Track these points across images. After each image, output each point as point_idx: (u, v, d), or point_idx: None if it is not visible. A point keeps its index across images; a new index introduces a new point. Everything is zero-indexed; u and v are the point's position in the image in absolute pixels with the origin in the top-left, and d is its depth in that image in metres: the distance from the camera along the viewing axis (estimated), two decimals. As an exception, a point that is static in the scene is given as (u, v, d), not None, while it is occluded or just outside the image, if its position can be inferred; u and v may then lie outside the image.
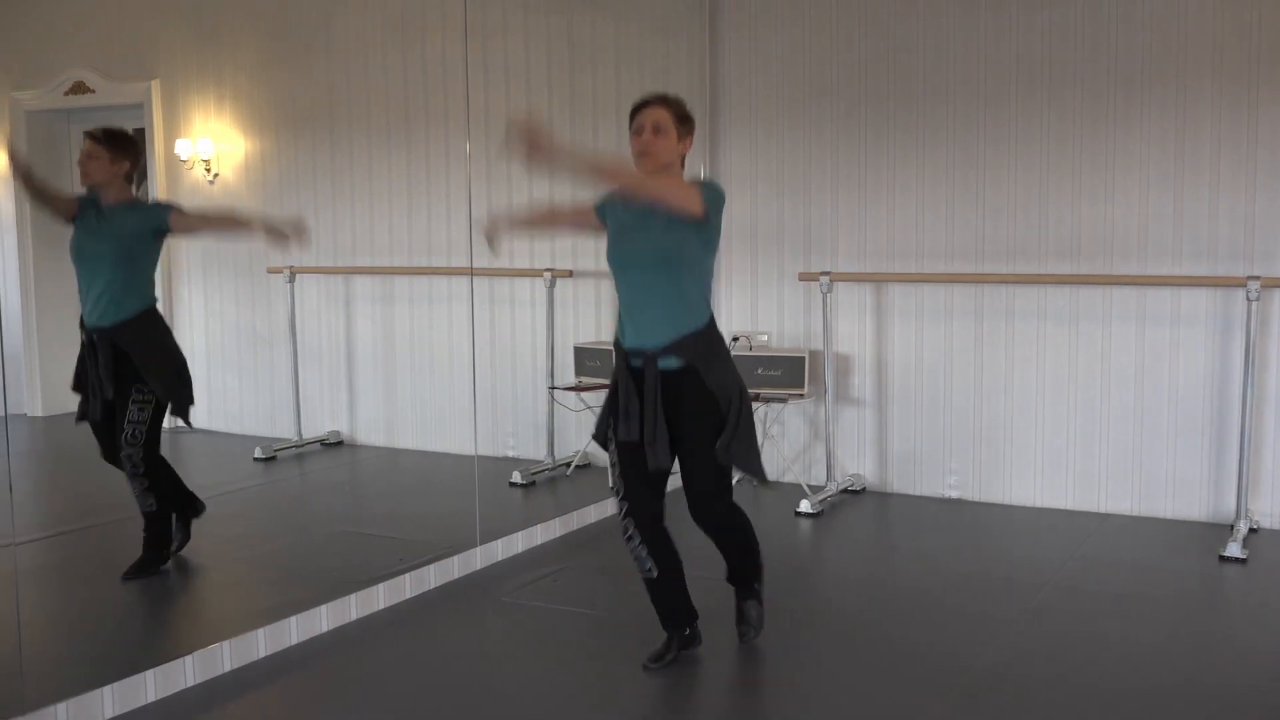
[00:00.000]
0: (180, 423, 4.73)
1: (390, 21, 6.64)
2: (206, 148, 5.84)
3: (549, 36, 6.52)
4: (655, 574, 3.83)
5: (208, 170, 5.84)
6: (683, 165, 3.83)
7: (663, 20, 6.57)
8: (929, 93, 5.96)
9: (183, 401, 4.69)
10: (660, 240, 3.66)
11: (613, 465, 3.88)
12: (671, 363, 3.69)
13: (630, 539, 3.81)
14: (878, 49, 6.05)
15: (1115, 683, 3.76)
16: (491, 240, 4.02)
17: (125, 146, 4.63)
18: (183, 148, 5.79)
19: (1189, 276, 5.47)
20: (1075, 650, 4.03)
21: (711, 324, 3.79)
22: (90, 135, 4.61)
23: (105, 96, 5.52)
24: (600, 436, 3.92)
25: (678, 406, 3.71)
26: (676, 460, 3.79)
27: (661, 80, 6.43)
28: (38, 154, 5.32)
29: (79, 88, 5.42)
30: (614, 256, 3.80)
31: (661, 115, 3.70)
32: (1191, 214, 5.47)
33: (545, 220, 4.32)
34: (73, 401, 4.79)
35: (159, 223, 4.57)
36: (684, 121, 3.74)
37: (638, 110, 3.76)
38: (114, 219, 4.49)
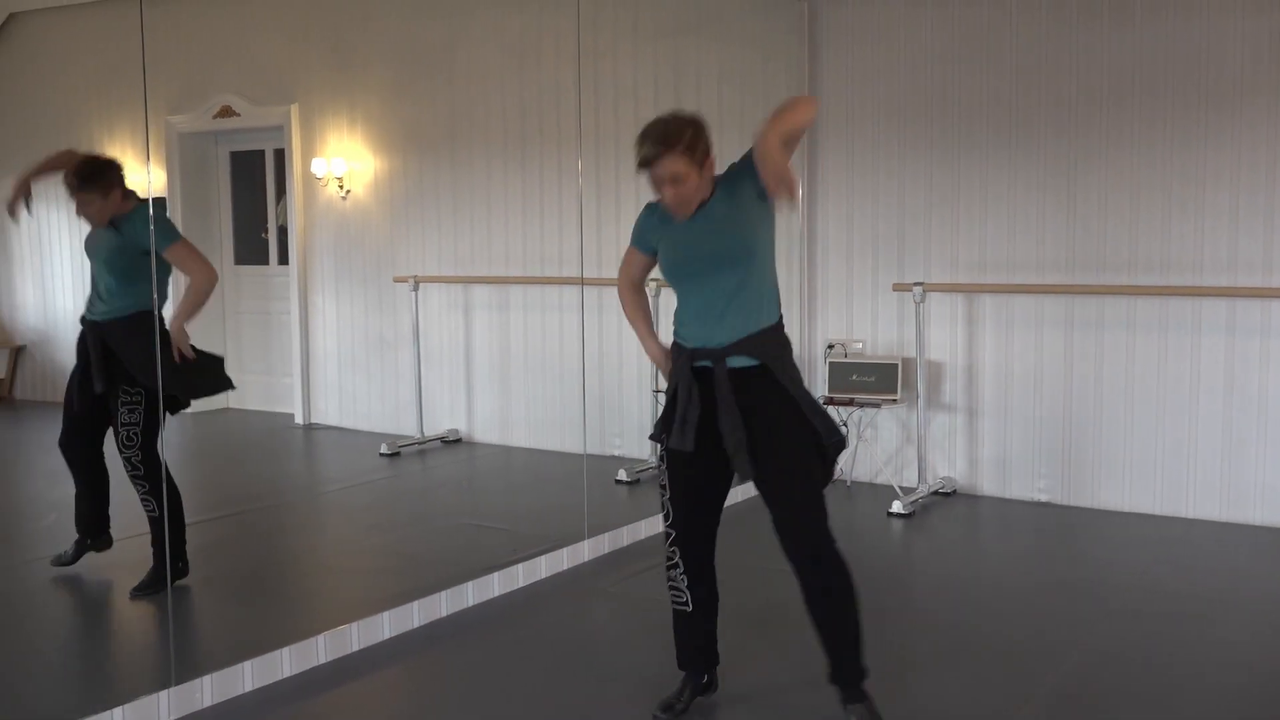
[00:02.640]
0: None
1: (508, 48, 6.91)
2: (340, 166, 6.23)
3: (656, 58, 6.68)
4: (690, 609, 3.48)
5: (340, 187, 6.24)
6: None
7: (764, 41, 6.72)
8: (1021, 108, 6.05)
9: (180, 390, 4.40)
10: (728, 238, 3.30)
11: (662, 486, 3.44)
12: (742, 360, 3.26)
13: (674, 567, 3.46)
14: (971, 65, 6.15)
15: (1201, 685, 3.83)
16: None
17: (104, 175, 4.29)
18: (318, 166, 6.19)
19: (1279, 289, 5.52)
20: (1161, 652, 4.09)
21: (781, 321, 3.38)
22: (68, 185, 4.27)
23: (249, 120, 5.92)
24: (657, 436, 3.45)
25: (754, 413, 3.27)
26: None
27: (762, 98, 6.63)
28: (190, 172, 5.76)
29: (226, 111, 5.81)
30: (674, 268, 3.39)
31: (672, 165, 3.24)
32: (1283, 228, 5.52)
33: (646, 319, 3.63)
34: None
35: (145, 247, 4.14)
36: (693, 150, 3.26)
37: (645, 165, 3.27)
38: (118, 228, 4.33)
